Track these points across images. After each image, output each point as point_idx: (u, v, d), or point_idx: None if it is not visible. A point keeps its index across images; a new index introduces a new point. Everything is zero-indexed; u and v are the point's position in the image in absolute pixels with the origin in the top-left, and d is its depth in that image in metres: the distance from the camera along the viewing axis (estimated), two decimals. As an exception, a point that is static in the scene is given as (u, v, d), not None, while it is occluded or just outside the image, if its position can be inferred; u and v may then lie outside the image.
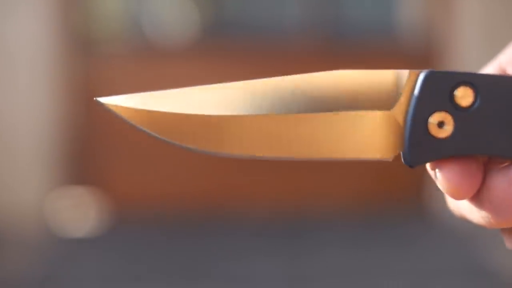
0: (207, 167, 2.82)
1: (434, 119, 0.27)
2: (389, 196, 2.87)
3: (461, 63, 2.79)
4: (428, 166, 0.29)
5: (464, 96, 0.27)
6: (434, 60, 2.88)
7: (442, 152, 0.27)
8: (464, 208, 0.30)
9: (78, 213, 2.67)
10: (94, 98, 0.28)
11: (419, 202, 2.85)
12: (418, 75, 0.27)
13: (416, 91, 0.27)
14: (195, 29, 2.87)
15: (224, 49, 2.85)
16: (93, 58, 2.80)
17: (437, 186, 0.29)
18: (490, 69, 0.30)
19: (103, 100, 0.28)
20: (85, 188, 2.76)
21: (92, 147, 2.80)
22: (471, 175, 0.27)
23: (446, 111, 0.27)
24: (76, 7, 2.78)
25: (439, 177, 0.28)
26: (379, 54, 2.89)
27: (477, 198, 0.28)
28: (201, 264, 2.21)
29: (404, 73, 0.28)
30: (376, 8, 2.97)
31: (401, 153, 0.28)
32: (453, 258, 2.28)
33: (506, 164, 0.28)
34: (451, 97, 0.27)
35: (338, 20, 2.91)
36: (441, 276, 2.11)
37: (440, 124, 0.27)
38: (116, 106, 0.28)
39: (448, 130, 0.27)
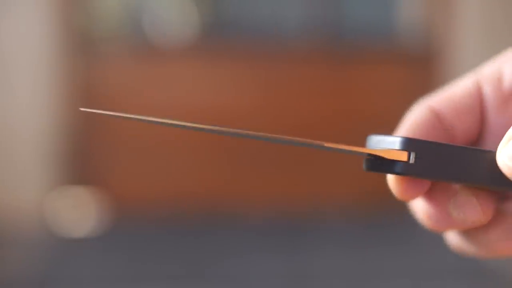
0: (207, 167, 2.82)
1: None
2: (389, 196, 2.86)
3: (460, 64, 2.79)
4: None
5: None
6: (434, 60, 2.88)
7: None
8: (414, 207, 0.34)
9: (78, 213, 2.67)
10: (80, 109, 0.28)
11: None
12: None
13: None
14: (195, 29, 2.87)
15: (224, 49, 2.85)
16: (93, 58, 2.80)
17: None
18: (469, 82, 0.31)
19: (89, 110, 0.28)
20: (85, 188, 2.76)
21: (92, 147, 2.80)
22: (417, 182, 0.31)
23: None
24: (75, 6, 2.78)
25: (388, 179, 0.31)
26: (379, 54, 2.89)
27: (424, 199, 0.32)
28: (201, 263, 2.21)
29: None
30: (376, 8, 2.97)
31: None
32: (453, 259, 2.28)
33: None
34: None
35: (338, 20, 2.91)
36: (441, 277, 2.11)
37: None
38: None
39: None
